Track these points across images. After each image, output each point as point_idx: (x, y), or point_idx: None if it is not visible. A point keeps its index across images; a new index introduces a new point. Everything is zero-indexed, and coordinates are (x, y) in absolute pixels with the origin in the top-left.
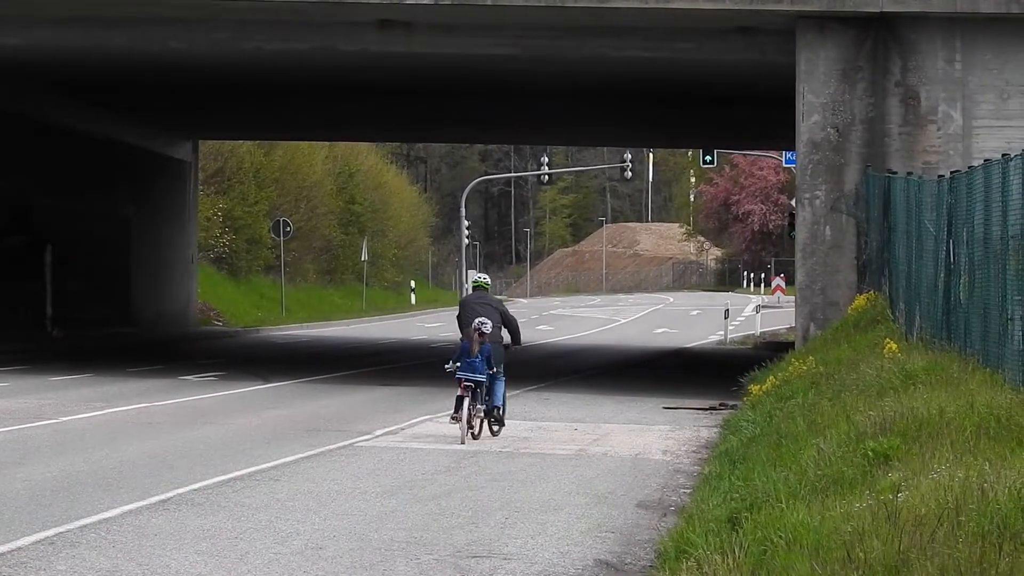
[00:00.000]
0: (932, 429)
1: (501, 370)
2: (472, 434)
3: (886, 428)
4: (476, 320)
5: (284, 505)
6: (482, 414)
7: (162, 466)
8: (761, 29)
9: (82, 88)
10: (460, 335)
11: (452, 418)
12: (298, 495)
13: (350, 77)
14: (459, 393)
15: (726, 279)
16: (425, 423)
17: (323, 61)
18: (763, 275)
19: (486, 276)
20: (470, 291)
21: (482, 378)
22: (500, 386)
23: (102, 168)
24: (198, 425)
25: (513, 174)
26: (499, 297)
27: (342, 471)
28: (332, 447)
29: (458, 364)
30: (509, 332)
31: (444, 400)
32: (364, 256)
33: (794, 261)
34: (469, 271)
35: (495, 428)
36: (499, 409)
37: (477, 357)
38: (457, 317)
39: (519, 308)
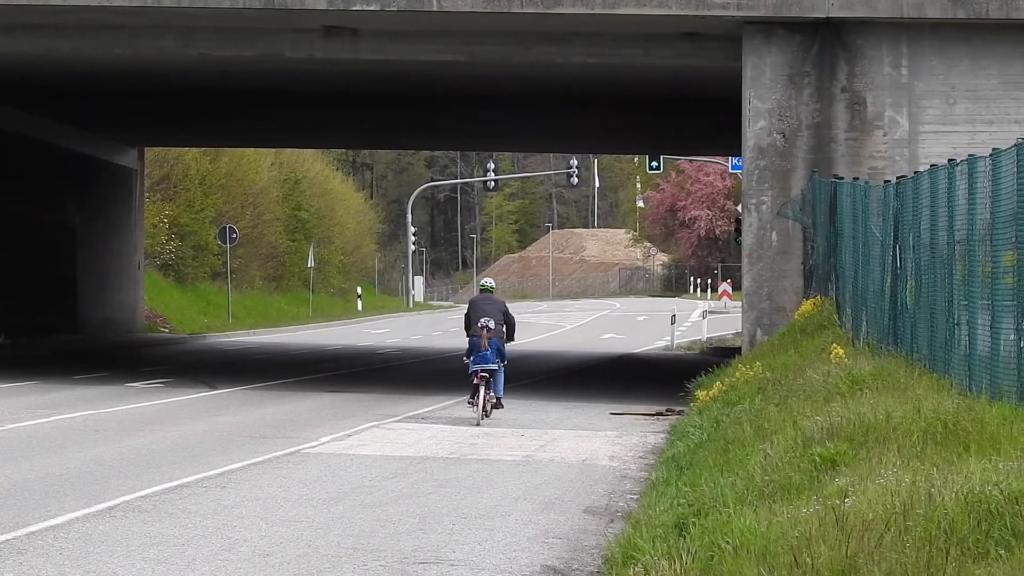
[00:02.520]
0: (879, 434)
1: (501, 368)
2: (485, 413)
3: (833, 433)
4: (481, 319)
5: (231, 512)
6: (494, 399)
7: (109, 473)
8: (707, 35)
9: (26, 95)
10: (466, 333)
11: (469, 403)
12: (245, 502)
13: (297, 84)
14: (475, 382)
15: (673, 284)
16: (372, 429)
17: (270, 68)
18: (710, 281)
19: (492, 280)
20: (477, 293)
21: (495, 367)
22: (501, 377)
23: (47, 175)
24: (145, 432)
25: (459, 180)
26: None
27: (289, 478)
28: (279, 454)
29: (471, 358)
30: (507, 329)
31: (391, 406)
32: (310, 263)
33: (741, 266)
34: (415, 277)
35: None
36: (499, 398)
37: (487, 350)
38: (465, 316)
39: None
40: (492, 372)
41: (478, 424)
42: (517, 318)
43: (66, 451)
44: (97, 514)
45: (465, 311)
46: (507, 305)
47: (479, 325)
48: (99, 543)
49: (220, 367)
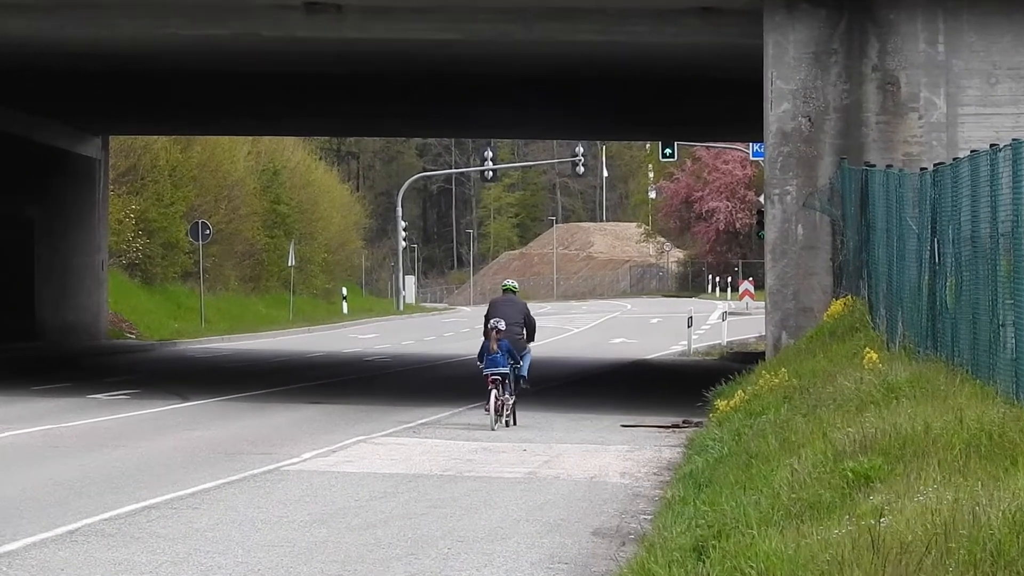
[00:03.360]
0: (917, 447)
1: (528, 350)
2: (505, 422)
3: (867, 446)
4: (491, 321)
5: (204, 536)
6: (511, 403)
7: (70, 493)
8: (724, 9)
9: None
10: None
11: (484, 409)
12: (219, 524)
13: (276, 66)
14: (488, 386)
15: (689, 283)
16: (359, 444)
17: (246, 48)
18: (729, 279)
19: (515, 281)
20: (500, 294)
21: (506, 370)
22: (527, 360)
23: (1, 166)
24: (109, 448)
25: (454, 170)
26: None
27: (268, 498)
28: (257, 472)
29: (482, 363)
30: (527, 329)
31: (380, 419)
32: (291, 261)
33: (763, 263)
34: (406, 277)
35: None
36: (524, 379)
37: (497, 352)
38: (485, 316)
39: (460, 318)
40: (504, 375)
41: (493, 429)
42: None
43: (22, 470)
44: (56, 539)
45: (485, 313)
46: (528, 307)
47: (488, 327)
48: (58, 571)
49: (192, 376)
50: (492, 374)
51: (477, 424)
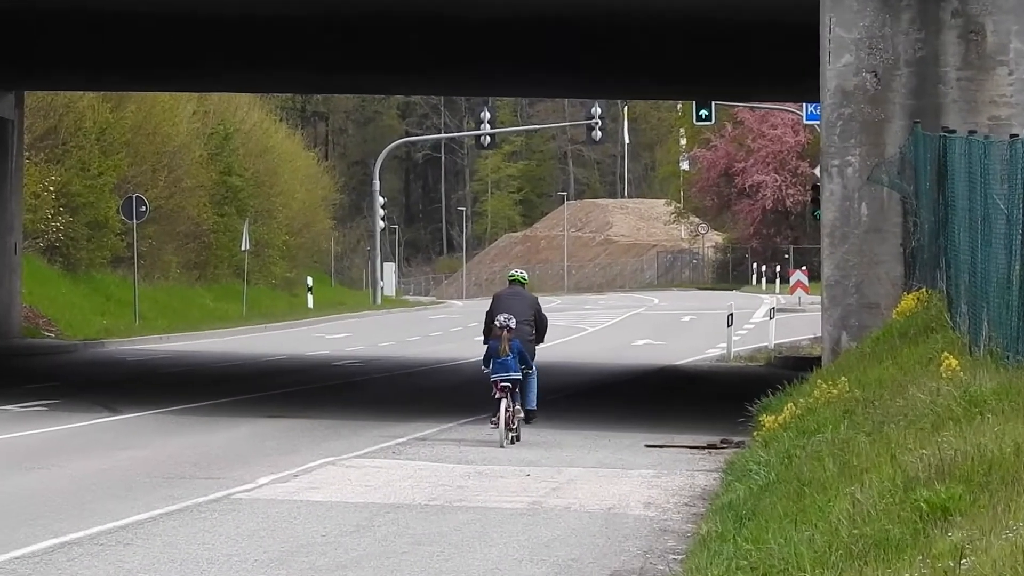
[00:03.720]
0: (1006, 473)
1: (533, 369)
2: (513, 437)
3: (944, 472)
4: (500, 317)
5: None
6: (522, 414)
7: None
8: None
9: None
10: (484, 337)
11: (491, 422)
12: (155, 565)
13: (224, 6)
14: (496, 395)
15: (729, 274)
16: (326, 467)
17: None
18: (778, 268)
19: (523, 271)
20: (506, 286)
21: (518, 376)
22: (532, 384)
23: None
24: (22, 471)
25: (444, 135)
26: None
27: (215, 532)
28: (202, 500)
29: (490, 367)
30: (537, 329)
31: (352, 437)
32: (245, 245)
33: (819, 250)
34: (385, 264)
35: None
36: (533, 412)
37: (508, 355)
38: (487, 314)
39: (451, 314)
40: (515, 382)
41: (502, 446)
42: None
43: None
44: None
45: (487, 309)
46: (539, 302)
47: (498, 324)
48: None
49: (124, 384)
50: (502, 380)
51: (471, 441)
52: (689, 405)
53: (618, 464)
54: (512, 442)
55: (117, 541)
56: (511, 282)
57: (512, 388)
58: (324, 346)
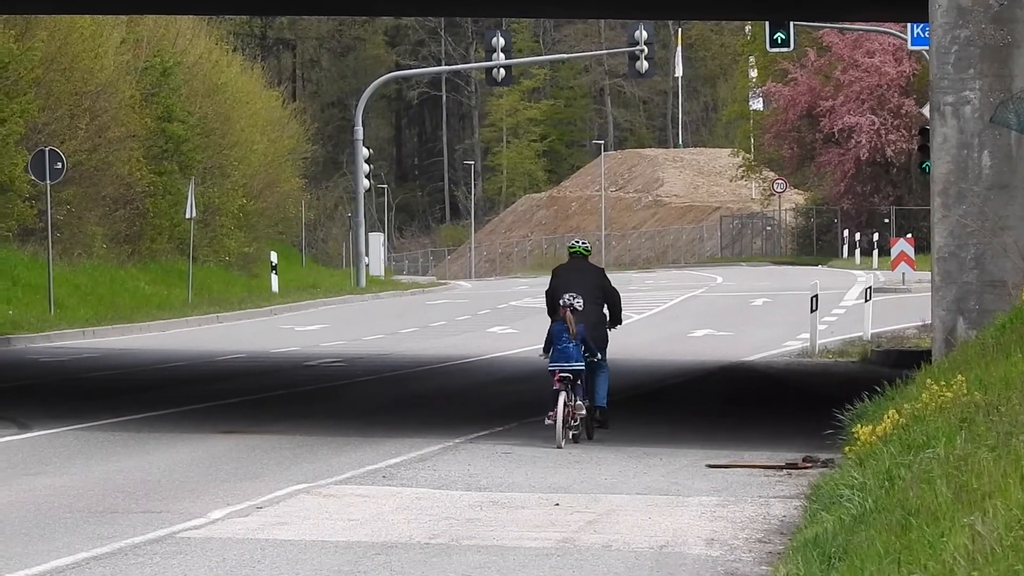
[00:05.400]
0: None
1: (604, 359)
2: (572, 436)
3: None
4: (565, 296)
5: None
6: (584, 411)
7: None
8: None
9: None
10: (551, 318)
11: (548, 417)
12: None
13: None
14: (555, 387)
15: (813, 244)
16: (298, 497)
17: None
18: (876, 236)
19: (586, 241)
20: (567, 260)
21: (580, 366)
22: (603, 380)
23: None
24: None
25: (445, 67)
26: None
27: None
28: (139, 540)
29: (548, 355)
30: (609, 308)
31: (330, 458)
32: (190, 212)
33: (929, 212)
34: (371, 235)
35: (593, 431)
36: (603, 410)
37: (572, 341)
38: (546, 293)
39: (456, 299)
40: (577, 372)
41: (560, 447)
42: (544, 304)
43: None
44: None
45: (547, 288)
46: (606, 274)
47: (561, 304)
48: None
49: (37, 392)
50: (562, 370)
51: (484, 461)
52: (762, 413)
53: (672, 489)
54: (575, 441)
55: None
56: (572, 254)
57: (572, 380)
58: (294, 341)
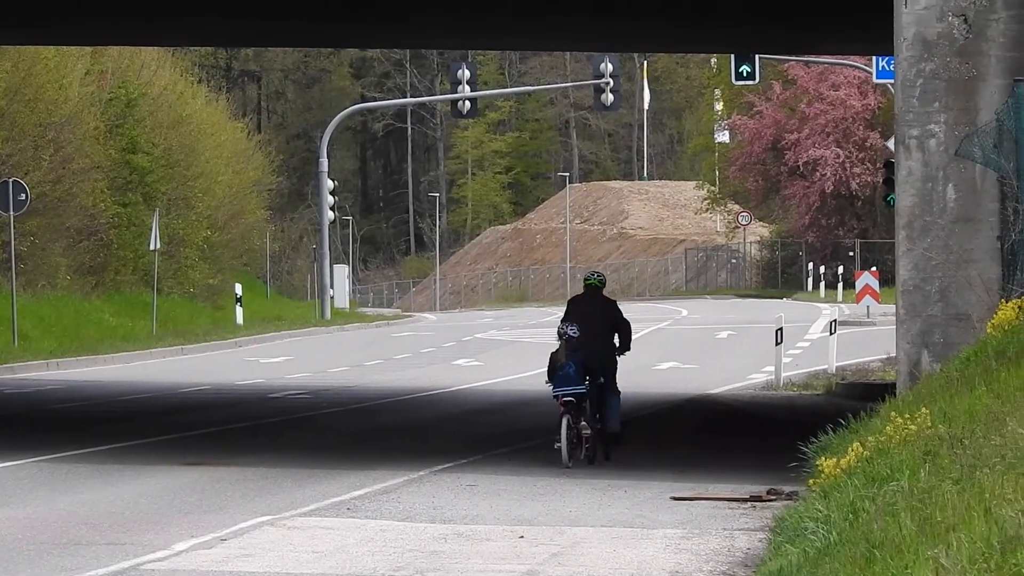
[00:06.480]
0: None
1: (615, 385)
2: (587, 458)
3: None
4: (561, 325)
5: None
6: (588, 430)
7: None
8: None
9: None
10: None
11: (556, 442)
12: None
13: None
14: (560, 411)
15: (778, 276)
16: (262, 529)
17: None
18: (841, 269)
19: (601, 273)
20: (582, 290)
21: (582, 389)
22: (614, 404)
23: None
24: None
25: (411, 99)
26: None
27: None
28: (102, 572)
29: (554, 380)
30: (619, 337)
31: (295, 490)
32: (154, 243)
33: (893, 245)
34: (336, 267)
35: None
36: (616, 435)
37: (569, 365)
38: (560, 322)
39: (422, 331)
40: (580, 396)
41: (568, 466)
42: (512, 336)
43: None
44: None
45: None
46: (618, 306)
47: (558, 332)
48: None
49: (1, 423)
50: (565, 395)
51: (448, 493)
52: (727, 446)
53: (637, 522)
54: (588, 462)
55: None
56: (587, 286)
57: (576, 403)
58: (259, 373)
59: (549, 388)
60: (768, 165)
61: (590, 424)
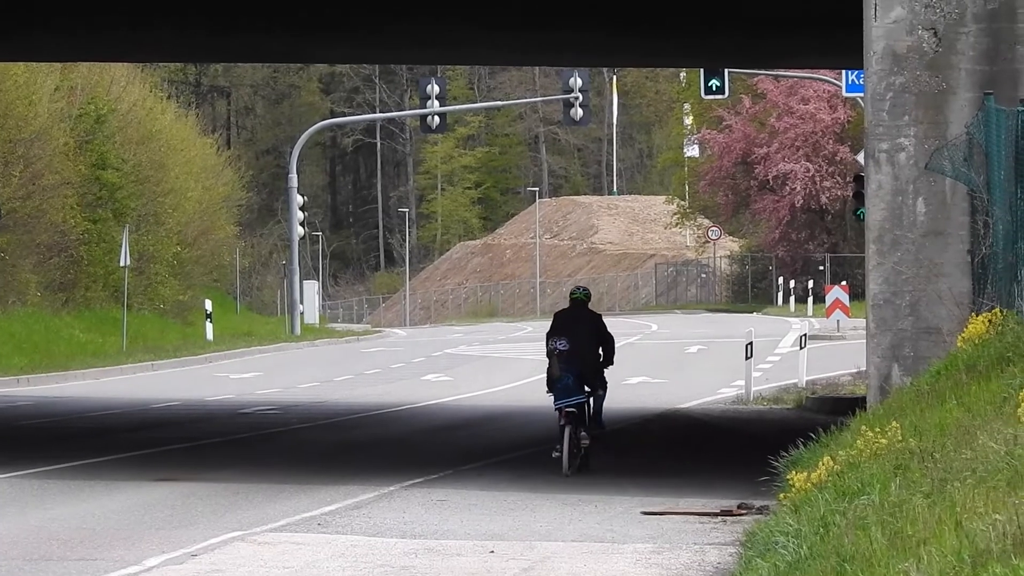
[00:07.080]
0: None
1: (602, 393)
2: (580, 466)
3: (1022, 543)
4: (550, 340)
5: None
6: (587, 441)
7: None
8: None
9: None
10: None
11: (555, 451)
12: None
13: None
14: (561, 422)
15: (748, 291)
16: (233, 544)
17: None
18: (811, 284)
19: (586, 288)
20: (567, 304)
21: (581, 399)
22: (599, 405)
23: None
24: None
25: (380, 115)
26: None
27: None
28: None
29: (553, 392)
30: (604, 350)
31: (265, 505)
32: (124, 260)
33: (864, 259)
34: (305, 283)
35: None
36: (593, 437)
37: (567, 377)
38: (547, 335)
39: (391, 347)
40: (580, 406)
41: (567, 474)
42: (482, 351)
43: None
44: None
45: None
46: (603, 319)
47: (549, 347)
48: None
49: None
50: (566, 407)
51: (419, 508)
52: (697, 460)
53: (607, 536)
54: (578, 470)
55: None
56: (572, 300)
57: (577, 414)
58: (228, 389)
59: (522, 401)
60: (738, 179)
61: (589, 434)
